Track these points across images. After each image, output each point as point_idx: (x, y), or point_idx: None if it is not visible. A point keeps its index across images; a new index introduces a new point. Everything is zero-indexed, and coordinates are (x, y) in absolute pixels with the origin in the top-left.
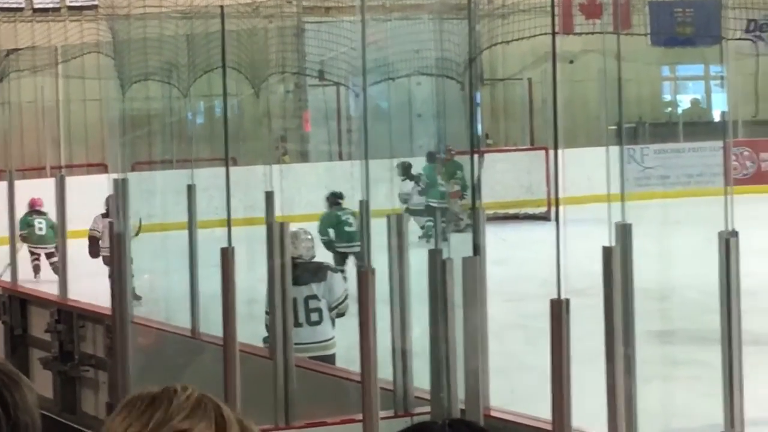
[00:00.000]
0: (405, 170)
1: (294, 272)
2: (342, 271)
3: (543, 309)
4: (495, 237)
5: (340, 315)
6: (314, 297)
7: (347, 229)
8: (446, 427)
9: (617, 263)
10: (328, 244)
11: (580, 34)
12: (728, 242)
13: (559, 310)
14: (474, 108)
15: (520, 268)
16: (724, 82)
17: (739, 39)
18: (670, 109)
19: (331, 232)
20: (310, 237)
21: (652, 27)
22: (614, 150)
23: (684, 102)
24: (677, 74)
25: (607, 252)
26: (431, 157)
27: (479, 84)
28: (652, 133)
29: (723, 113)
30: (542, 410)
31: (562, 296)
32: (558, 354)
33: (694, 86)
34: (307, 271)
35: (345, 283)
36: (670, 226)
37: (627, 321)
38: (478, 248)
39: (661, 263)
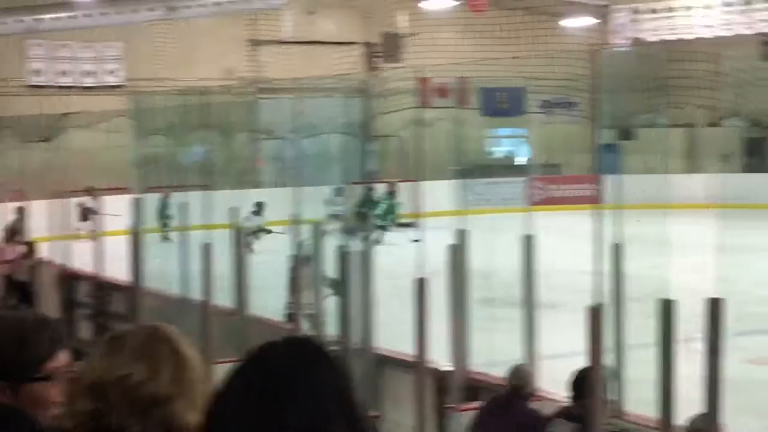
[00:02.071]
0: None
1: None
2: None
3: (411, 284)
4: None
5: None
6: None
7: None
8: (283, 346)
9: (459, 255)
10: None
11: (435, 107)
12: (528, 242)
13: (421, 285)
14: (367, 154)
15: (397, 257)
16: (527, 139)
17: (536, 112)
18: (491, 156)
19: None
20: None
21: (482, 103)
22: (456, 182)
23: (500, 152)
24: (497, 134)
25: (452, 248)
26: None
27: (370, 139)
28: (480, 171)
29: (527, 159)
30: (411, 348)
31: (424, 276)
32: (421, 313)
33: (507, 142)
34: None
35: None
36: (492, 232)
37: (465, 291)
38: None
39: (486, 255)
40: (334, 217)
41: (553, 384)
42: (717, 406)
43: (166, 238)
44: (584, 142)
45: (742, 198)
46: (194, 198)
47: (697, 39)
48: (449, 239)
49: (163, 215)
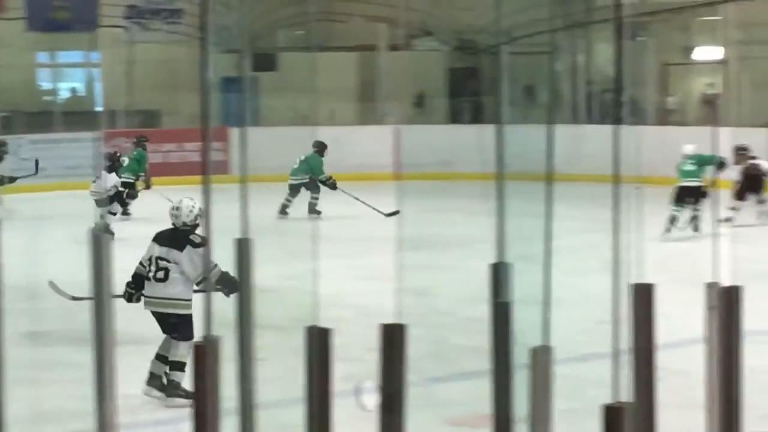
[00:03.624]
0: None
1: (163, 233)
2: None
3: None
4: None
5: (217, 289)
6: (163, 258)
7: None
8: None
9: None
10: None
11: None
12: (98, 240)
13: None
14: None
15: None
16: (102, 71)
17: (116, 26)
18: (49, 97)
19: None
20: (175, 209)
21: (28, 11)
22: None
23: (63, 90)
24: (57, 61)
25: None
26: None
27: None
28: (29, 122)
29: (99, 102)
30: None
31: None
32: None
33: (75, 74)
34: (167, 237)
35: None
36: (42, 221)
37: None
38: None
39: (32, 260)
40: None
41: None
42: None
43: None
44: (195, 76)
45: (448, 164)
46: None
47: None
48: None
49: None
